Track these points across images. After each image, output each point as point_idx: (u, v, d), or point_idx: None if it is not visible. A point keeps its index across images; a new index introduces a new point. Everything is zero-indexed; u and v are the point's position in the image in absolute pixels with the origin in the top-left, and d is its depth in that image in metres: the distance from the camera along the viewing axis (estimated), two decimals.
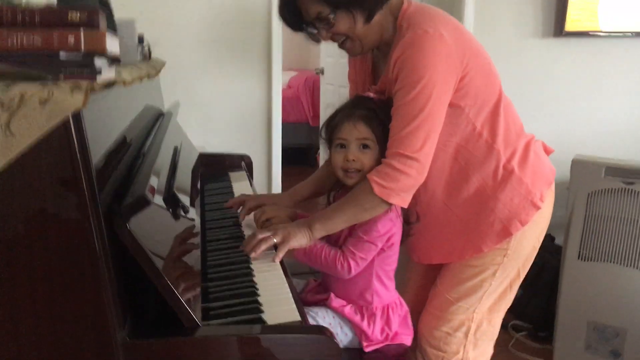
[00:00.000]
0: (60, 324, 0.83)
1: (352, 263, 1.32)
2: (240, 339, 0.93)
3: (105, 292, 0.82)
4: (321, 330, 0.97)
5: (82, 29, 0.82)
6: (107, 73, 0.90)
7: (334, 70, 4.28)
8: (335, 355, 0.94)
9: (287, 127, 2.87)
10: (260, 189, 2.69)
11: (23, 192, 0.78)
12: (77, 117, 0.76)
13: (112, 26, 1.45)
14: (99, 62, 0.86)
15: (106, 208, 0.86)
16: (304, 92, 5.32)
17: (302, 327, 1.01)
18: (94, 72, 0.83)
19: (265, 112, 2.72)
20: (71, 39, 0.81)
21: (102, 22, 0.86)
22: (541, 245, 1.55)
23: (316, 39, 1.44)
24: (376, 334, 1.38)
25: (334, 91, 4.42)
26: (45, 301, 0.82)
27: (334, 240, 1.41)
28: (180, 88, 2.53)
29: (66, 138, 0.76)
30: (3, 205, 0.79)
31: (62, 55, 0.82)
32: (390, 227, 1.34)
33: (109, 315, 0.83)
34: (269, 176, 2.81)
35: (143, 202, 0.87)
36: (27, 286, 0.82)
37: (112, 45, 0.90)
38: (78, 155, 0.76)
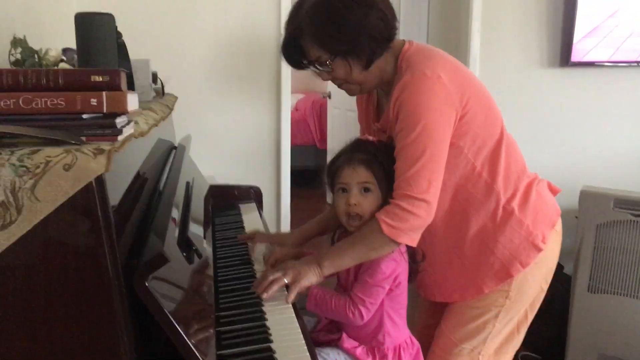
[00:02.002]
0: None
1: (362, 309, 1.32)
2: None
3: (123, 346, 0.83)
4: None
5: (104, 91, 0.84)
6: (127, 130, 0.92)
7: (341, 94, 4.26)
8: None
9: (295, 150, 2.89)
10: (269, 213, 2.71)
11: (44, 255, 0.79)
12: (100, 181, 0.77)
13: (128, 67, 1.49)
14: (120, 121, 0.88)
15: (124, 261, 0.87)
16: (311, 115, 5.36)
17: None
18: (116, 133, 0.85)
19: (274, 138, 2.74)
20: (94, 101, 0.84)
21: (123, 83, 0.88)
22: None
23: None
24: None
25: (341, 114, 4.45)
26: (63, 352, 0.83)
27: (343, 287, 1.42)
28: (190, 119, 2.56)
29: (88, 201, 0.77)
30: (25, 263, 0.80)
31: (85, 116, 0.84)
32: (395, 267, 1.34)
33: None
34: (278, 201, 2.83)
35: (161, 260, 0.88)
36: (45, 344, 0.83)
37: (132, 103, 0.92)
38: (100, 217, 0.77)
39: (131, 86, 1.40)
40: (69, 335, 0.83)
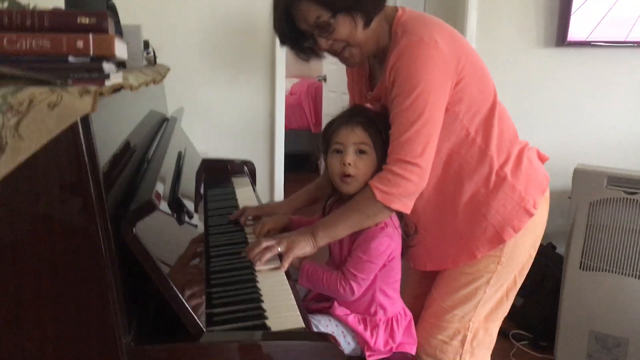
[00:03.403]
0: (66, 329, 0.83)
1: (354, 285, 1.31)
2: (244, 345, 0.92)
3: (111, 297, 0.82)
4: (326, 337, 0.97)
5: (91, 33, 0.82)
6: (115, 78, 0.90)
7: (336, 78, 4.29)
8: None
9: (289, 134, 2.87)
10: (262, 195, 2.69)
11: (29, 195, 0.78)
12: (86, 121, 0.76)
13: (119, 31, 1.46)
14: (107, 66, 0.86)
15: (112, 213, 0.86)
16: (306, 99, 5.34)
17: (307, 333, 1.01)
18: (103, 77, 0.83)
19: (269, 118, 2.72)
20: (80, 43, 0.82)
21: (111, 26, 0.86)
22: (542, 254, 1.55)
23: (306, 57, 1.42)
24: (379, 345, 1.37)
25: (336, 98, 4.43)
26: (51, 305, 0.82)
27: (336, 264, 1.41)
28: (183, 94, 2.53)
29: (74, 142, 0.75)
30: (9, 207, 0.78)
31: (71, 59, 0.82)
32: (389, 244, 1.33)
33: (114, 320, 0.83)
34: (272, 183, 2.81)
35: (150, 207, 0.87)
36: (32, 290, 0.82)
37: (120, 49, 0.90)
38: (86, 159, 0.76)
39: (119, 32, 1.37)
40: (56, 282, 0.82)
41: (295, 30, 1.35)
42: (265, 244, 1.31)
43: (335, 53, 1.38)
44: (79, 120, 0.75)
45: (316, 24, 1.30)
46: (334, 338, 0.97)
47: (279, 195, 2.83)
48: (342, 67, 1.55)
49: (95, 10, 0.83)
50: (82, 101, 0.74)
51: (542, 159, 1.51)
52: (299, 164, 5.00)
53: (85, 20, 0.82)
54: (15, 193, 0.77)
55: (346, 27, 1.31)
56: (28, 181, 0.77)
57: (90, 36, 0.82)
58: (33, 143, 0.73)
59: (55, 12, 0.82)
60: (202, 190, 1.82)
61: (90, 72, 0.83)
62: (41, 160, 0.76)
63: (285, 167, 2.83)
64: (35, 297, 0.82)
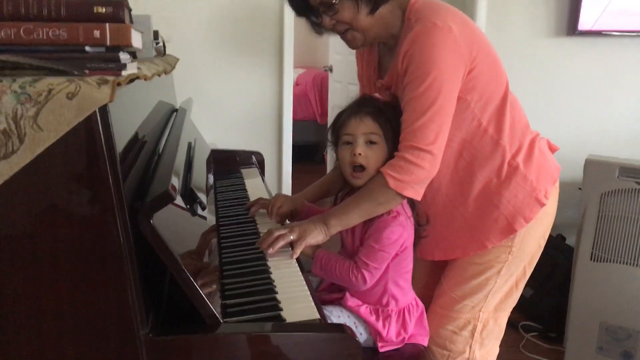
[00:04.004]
0: (85, 321, 0.83)
1: (366, 274, 1.30)
2: (260, 336, 0.92)
3: (130, 289, 0.82)
4: (342, 328, 0.96)
5: (107, 22, 0.82)
6: (130, 68, 0.90)
7: (342, 68, 4.27)
8: (356, 353, 0.94)
9: (295, 125, 2.86)
10: (270, 186, 2.68)
11: (48, 186, 0.78)
12: (104, 111, 0.75)
13: (130, 21, 1.45)
14: (124, 56, 0.85)
15: (129, 204, 0.85)
16: (312, 90, 5.32)
17: (323, 325, 1.01)
18: (120, 67, 0.83)
19: (276, 109, 2.71)
20: (97, 33, 0.81)
21: (127, 16, 0.85)
22: (552, 245, 1.54)
23: (318, 30, 1.42)
24: (391, 336, 1.36)
25: (343, 89, 4.41)
26: (69, 297, 0.82)
27: (349, 253, 1.40)
28: (192, 85, 2.53)
29: (92, 132, 0.75)
30: (28, 198, 0.78)
31: (88, 49, 0.82)
32: (402, 233, 1.32)
33: (132, 312, 0.83)
34: (280, 173, 2.81)
35: (167, 198, 0.86)
36: (50, 282, 0.82)
37: (136, 39, 0.89)
38: (104, 149, 0.76)
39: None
40: (74, 273, 0.82)
41: (305, 3, 1.35)
42: (277, 233, 1.31)
43: (338, 33, 1.38)
44: (97, 111, 0.74)
45: (321, 1, 1.31)
46: (350, 329, 0.97)
47: (287, 185, 2.83)
48: (348, 57, 1.55)
49: (111, 0, 0.82)
50: (100, 91, 0.74)
51: (552, 149, 1.51)
52: (305, 155, 5.04)
53: (101, 9, 0.81)
54: (33, 184, 0.77)
55: (350, 11, 1.31)
56: (46, 172, 0.77)
57: (107, 26, 0.81)
58: (52, 134, 0.72)
59: (71, 1, 0.81)
60: (211, 181, 1.81)
61: (107, 62, 0.82)
62: (59, 151, 0.76)
63: (292, 157, 2.83)
64: (54, 290, 0.82)
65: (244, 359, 0.90)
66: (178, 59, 1.98)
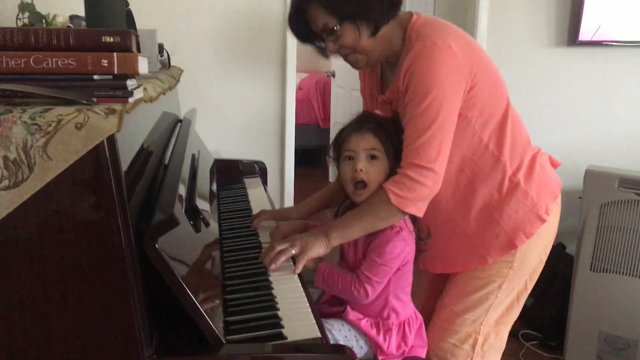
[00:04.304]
0: (90, 342, 0.85)
1: (368, 288, 1.32)
2: (262, 357, 0.94)
3: (135, 311, 0.84)
4: (342, 349, 0.98)
5: (115, 51, 0.84)
6: (137, 93, 0.92)
7: (345, 73, 4.29)
8: None
9: (298, 129, 2.88)
10: (273, 190, 2.71)
11: (55, 213, 0.80)
12: (111, 140, 0.77)
13: (137, 50, 1.47)
14: (131, 83, 0.87)
15: (134, 222, 0.87)
16: (314, 94, 5.33)
17: (325, 346, 1.02)
18: (127, 95, 0.85)
19: (279, 115, 2.73)
20: (105, 62, 0.83)
21: (134, 44, 0.87)
22: (552, 254, 1.55)
23: (324, 53, 1.46)
24: (392, 349, 1.38)
25: (345, 94, 4.43)
26: (76, 318, 0.84)
27: (350, 267, 1.42)
28: (195, 93, 2.54)
29: (100, 161, 0.77)
30: (36, 225, 0.80)
31: (96, 77, 0.84)
32: (404, 247, 1.34)
33: (137, 333, 0.85)
34: (282, 179, 2.82)
35: (172, 223, 0.88)
36: (58, 302, 0.84)
37: (143, 66, 0.91)
38: (112, 178, 0.77)
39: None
40: (81, 296, 0.83)
41: (307, 30, 1.39)
42: (278, 247, 1.32)
43: (342, 56, 1.41)
44: (105, 140, 0.76)
45: (323, 29, 1.35)
46: (351, 350, 0.99)
47: (290, 190, 2.84)
48: None
49: (119, 30, 0.84)
50: (108, 121, 0.76)
51: (554, 164, 1.52)
52: (308, 159, 5.05)
53: (109, 39, 0.83)
54: (40, 211, 0.79)
55: (351, 35, 1.34)
56: (54, 199, 0.78)
57: (115, 55, 0.83)
58: (60, 163, 0.74)
59: (80, 31, 0.83)
60: (215, 191, 1.83)
61: (115, 89, 0.84)
62: (66, 178, 0.78)
63: (294, 162, 2.85)
64: (61, 310, 0.84)
65: None
66: (182, 71, 2.00)
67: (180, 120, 1.96)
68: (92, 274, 0.82)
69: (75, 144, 0.74)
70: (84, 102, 0.79)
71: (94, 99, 0.83)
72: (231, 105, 2.65)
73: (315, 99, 5.33)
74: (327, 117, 5.18)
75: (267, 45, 2.63)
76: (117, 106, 0.80)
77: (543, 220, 1.41)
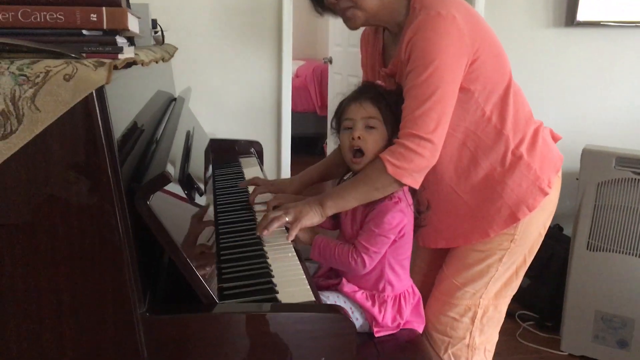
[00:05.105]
0: (82, 300, 0.85)
1: (365, 258, 1.31)
2: (256, 316, 0.93)
3: (127, 269, 0.83)
4: (336, 309, 0.98)
5: (104, 6, 0.83)
6: (127, 52, 0.91)
7: (342, 59, 4.26)
8: (350, 333, 0.95)
9: (295, 117, 2.87)
10: (269, 177, 2.70)
11: (45, 166, 0.79)
12: (100, 92, 0.77)
13: (127, 6, 1.46)
14: (120, 40, 0.86)
15: (125, 188, 0.86)
16: (311, 82, 5.32)
17: (318, 305, 1.02)
18: (116, 51, 0.84)
19: (275, 100, 2.72)
20: (93, 16, 0.82)
21: (124, 0, 0.86)
22: (549, 235, 1.54)
23: (319, 9, 1.43)
24: (387, 321, 1.38)
25: (342, 80, 4.41)
26: (67, 275, 0.84)
27: (347, 239, 1.41)
28: (190, 75, 2.53)
29: (89, 113, 0.76)
30: (26, 178, 0.79)
31: (85, 32, 0.83)
32: (402, 219, 1.33)
33: (129, 291, 0.84)
34: (279, 165, 2.81)
35: (163, 180, 0.87)
36: (49, 261, 0.83)
37: (133, 24, 0.90)
38: (101, 130, 0.77)
39: None
40: (72, 251, 0.83)
41: None
42: (272, 215, 1.31)
43: (340, 9, 1.38)
44: (94, 92, 0.75)
45: None
46: (344, 310, 0.99)
47: (286, 177, 2.83)
48: (348, 49, 1.54)
49: None
50: (96, 73, 0.75)
51: (555, 138, 1.52)
52: (305, 147, 5.04)
53: None
54: (30, 165, 0.78)
55: None
56: (43, 153, 0.78)
57: (104, 9, 0.82)
58: (49, 115, 0.74)
59: None
60: (210, 170, 1.83)
61: (104, 45, 0.83)
62: (56, 132, 0.77)
63: (291, 150, 2.83)
64: (52, 268, 0.84)
65: (239, 338, 0.92)
66: (177, 48, 1.99)
67: (175, 99, 1.95)
68: (83, 229, 0.82)
69: (63, 95, 0.74)
70: (73, 55, 0.78)
71: (83, 54, 0.82)
72: (227, 88, 2.64)
73: (312, 86, 5.31)
74: (324, 105, 5.17)
75: (263, 28, 2.62)
76: (106, 60, 0.79)
77: (546, 193, 1.40)
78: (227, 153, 2.18)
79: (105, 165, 0.79)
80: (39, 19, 0.81)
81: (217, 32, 2.57)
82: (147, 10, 1.62)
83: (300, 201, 1.38)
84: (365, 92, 1.37)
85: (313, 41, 6.03)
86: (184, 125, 1.62)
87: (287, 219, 1.31)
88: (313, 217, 1.32)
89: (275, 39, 2.64)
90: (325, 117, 5.01)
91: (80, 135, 0.77)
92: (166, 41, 2.09)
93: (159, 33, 1.84)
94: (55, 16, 0.81)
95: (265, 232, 1.29)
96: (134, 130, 1.09)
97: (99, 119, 0.77)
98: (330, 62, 4.56)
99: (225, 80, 2.63)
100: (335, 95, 4.69)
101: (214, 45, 2.58)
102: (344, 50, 4.08)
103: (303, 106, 5.24)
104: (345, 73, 4.28)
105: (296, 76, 5.47)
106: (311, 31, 6.01)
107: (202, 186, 1.40)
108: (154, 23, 1.74)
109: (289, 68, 2.71)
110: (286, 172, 2.83)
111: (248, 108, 2.70)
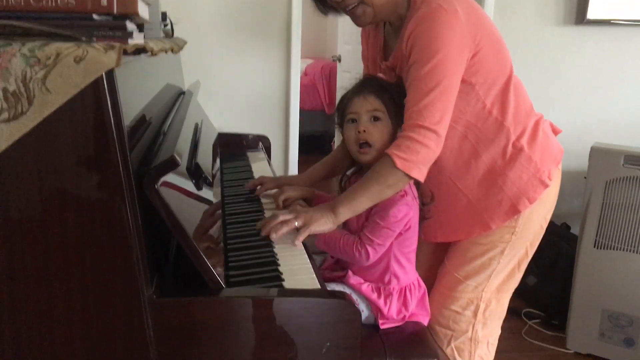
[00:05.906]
0: (91, 282, 0.86)
1: (370, 250, 1.31)
2: (262, 300, 0.94)
3: (135, 252, 0.84)
4: (342, 295, 0.98)
5: None
6: (137, 38, 0.92)
7: (351, 58, 4.27)
8: (355, 319, 0.96)
9: (303, 115, 2.87)
10: (277, 174, 2.70)
11: (54, 149, 0.80)
12: (110, 75, 0.78)
13: None
14: (130, 25, 0.87)
15: (135, 170, 0.87)
16: (320, 80, 5.32)
17: (323, 291, 1.03)
18: (126, 35, 0.85)
19: (283, 97, 2.72)
20: (104, 1, 0.83)
21: None
22: (557, 234, 1.54)
23: (323, 9, 1.44)
24: (392, 313, 1.38)
25: (351, 78, 4.38)
26: (76, 257, 0.85)
27: (353, 231, 1.41)
28: (199, 69, 2.54)
29: (99, 95, 0.77)
30: (34, 159, 0.80)
31: (95, 17, 0.84)
32: (407, 212, 1.33)
33: (137, 274, 0.85)
34: (286, 161, 2.81)
35: (172, 164, 0.88)
36: (58, 243, 0.84)
37: (143, 10, 0.91)
38: (110, 111, 0.78)
39: None
40: (82, 233, 0.84)
41: None
42: (282, 217, 1.29)
43: (347, 8, 1.37)
44: (103, 75, 0.76)
45: None
46: (350, 296, 0.99)
47: (294, 172, 2.84)
48: (357, 47, 1.54)
49: None
50: (107, 56, 0.76)
51: (555, 131, 1.52)
52: (313, 145, 5.05)
53: None
54: (39, 147, 0.79)
55: None
56: (53, 136, 0.79)
57: None
58: (59, 96, 0.75)
59: None
60: (218, 163, 1.84)
61: (114, 30, 0.84)
62: (66, 115, 0.78)
63: (299, 148, 2.83)
64: (62, 251, 0.84)
65: (245, 323, 0.92)
66: (186, 42, 2.00)
67: (184, 93, 1.96)
68: (92, 212, 0.83)
69: (74, 77, 0.75)
70: (83, 39, 0.79)
71: (94, 38, 0.83)
72: (235, 84, 2.65)
73: (320, 84, 5.32)
74: (332, 103, 5.18)
75: (272, 25, 2.63)
76: (116, 44, 0.80)
77: (546, 185, 1.41)
78: (235, 147, 2.19)
79: (114, 148, 0.79)
80: (50, 3, 0.82)
81: (227, 27, 2.58)
82: (157, 2, 1.63)
83: (311, 208, 1.37)
84: (367, 85, 1.37)
85: (322, 39, 6.04)
86: (192, 118, 1.63)
87: (296, 224, 1.28)
88: (324, 225, 1.29)
89: (284, 37, 2.65)
90: (334, 116, 5.00)
91: (89, 117, 0.78)
92: (175, 35, 2.10)
93: (169, 26, 1.85)
94: (66, 0, 0.82)
95: (273, 236, 1.26)
96: (142, 121, 1.10)
97: (109, 101, 0.77)
98: (339, 60, 4.57)
99: (233, 76, 2.64)
100: (342, 93, 4.70)
101: (223, 40, 2.59)
102: (353, 49, 4.08)
103: (311, 104, 5.25)
104: (354, 71, 4.28)
105: (305, 74, 5.48)
106: (320, 29, 6.02)
107: (210, 174, 1.41)
108: (164, 16, 1.75)
109: (297, 66, 2.71)
110: (294, 170, 2.83)
111: (256, 105, 2.71)
